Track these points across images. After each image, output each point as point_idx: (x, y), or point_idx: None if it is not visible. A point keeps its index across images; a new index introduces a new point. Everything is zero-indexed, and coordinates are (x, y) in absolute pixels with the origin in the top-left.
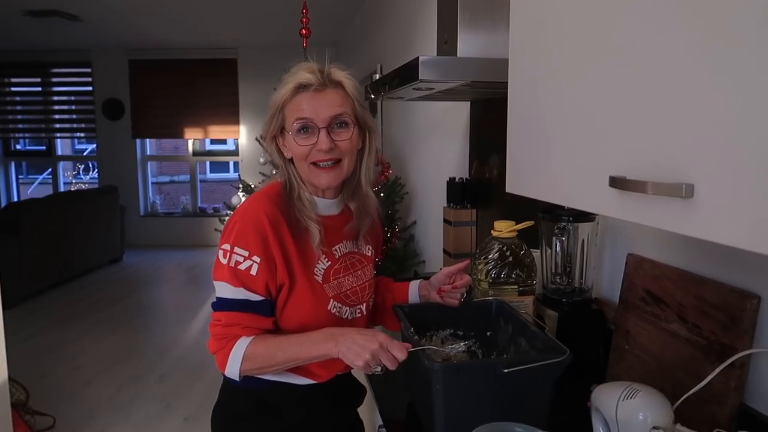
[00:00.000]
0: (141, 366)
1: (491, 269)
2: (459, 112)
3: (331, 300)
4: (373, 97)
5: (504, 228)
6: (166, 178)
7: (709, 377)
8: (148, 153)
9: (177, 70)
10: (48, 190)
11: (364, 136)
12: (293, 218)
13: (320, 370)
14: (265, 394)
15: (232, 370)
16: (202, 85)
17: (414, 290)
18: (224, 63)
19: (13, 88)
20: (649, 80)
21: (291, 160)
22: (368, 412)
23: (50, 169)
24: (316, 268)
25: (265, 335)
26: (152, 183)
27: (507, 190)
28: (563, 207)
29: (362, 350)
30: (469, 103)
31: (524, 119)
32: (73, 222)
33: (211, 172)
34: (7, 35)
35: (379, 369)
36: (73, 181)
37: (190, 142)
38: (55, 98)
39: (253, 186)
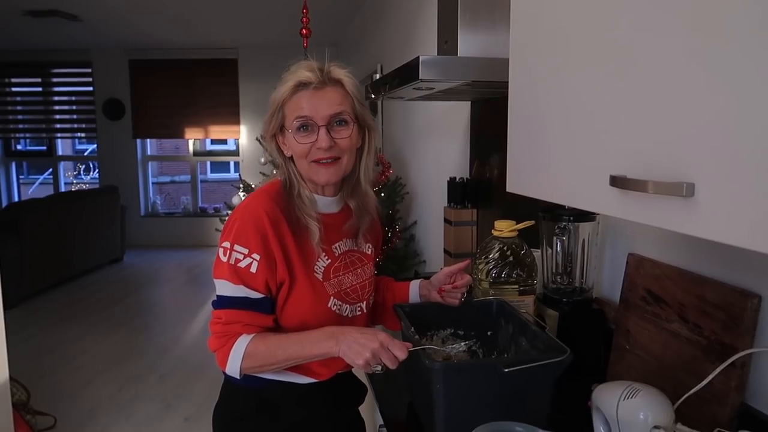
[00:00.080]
0: (141, 366)
1: (492, 269)
2: (459, 112)
3: (332, 298)
4: (373, 96)
5: (504, 227)
6: (167, 178)
7: (710, 377)
8: (149, 153)
9: (177, 70)
10: (49, 191)
11: (363, 134)
12: (293, 216)
13: (321, 369)
14: (265, 393)
15: (233, 367)
16: (203, 85)
17: (414, 290)
18: (225, 63)
19: (13, 89)
20: (649, 79)
21: (291, 158)
22: (369, 411)
23: (51, 170)
24: (316, 266)
25: (265, 333)
26: (153, 183)
27: (507, 190)
28: (564, 206)
29: (363, 349)
30: (469, 102)
31: (525, 119)
32: (74, 222)
33: (211, 172)
34: (7, 35)
35: (379, 368)
36: (74, 182)
37: (191, 142)
38: (56, 98)
39: (253, 186)
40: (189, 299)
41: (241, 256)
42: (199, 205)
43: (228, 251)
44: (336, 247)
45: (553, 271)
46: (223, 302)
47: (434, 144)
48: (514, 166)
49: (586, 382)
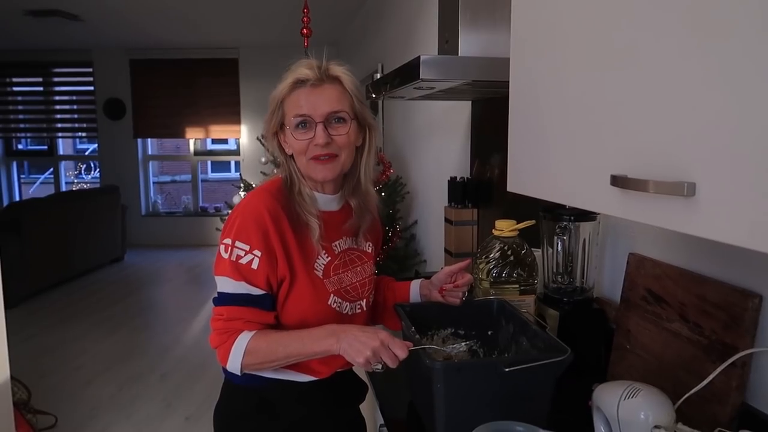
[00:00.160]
0: (142, 365)
1: (492, 268)
2: (460, 112)
3: (332, 295)
4: (374, 96)
5: (505, 227)
6: (168, 178)
7: (711, 376)
8: (150, 152)
9: (178, 70)
10: (50, 190)
11: (364, 133)
12: (294, 213)
13: (320, 367)
14: (265, 392)
15: (234, 364)
16: (203, 85)
17: (415, 290)
18: (225, 63)
19: (14, 88)
20: (650, 79)
21: (292, 156)
22: (369, 410)
23: (52, 169)
24: (316, 264)
25: (267, 330)
26: (153, 182)
27: (508, 190)
28: (564, 206)
29: (363, 347)
30: (470, 102)
31: (525, 118)
32: (75, 222)
33: (212, 171)
34: (7, 35)
35: (379, 367)
36: (75, 181)
37: (192, 142)
38: (57, 98)
39: (254, 185)
40: (190, 299)
41: (242, 253)
42: (200, 204)
43: (229, 248)
44: (336, 245)
45: (554, 270)
46: (224, 299)
47: (435, 143)
48: (515, 165)
49: (586, 381)
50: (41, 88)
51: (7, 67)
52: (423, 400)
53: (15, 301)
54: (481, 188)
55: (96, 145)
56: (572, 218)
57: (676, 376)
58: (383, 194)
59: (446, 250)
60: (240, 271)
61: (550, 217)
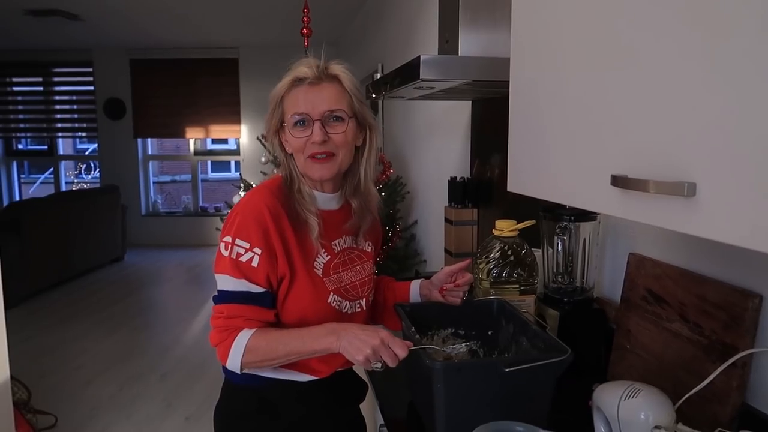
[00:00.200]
0: (142, 365)
1: (492, 268)
2: (460, 111)
3: (331, 293)
4: (374, 96)
5: (505, 227)
6: (168, 178)
7: (711, 377)
8: (150, 152)
9: (178, 70)
10: (50, 190)
11: (364, 133)
12: (293, 211)
13: (320, 366)
14: (266, 391)
15: (234, 362)
16: (204, 85)
17: (415, 290)
18: (225, 62)
19: (14, 88)
20: (650, 79)
21: (292, 154)
22: (369, 410)
23: (52, 169)
24: (315, 262)
25: (267, 328)
26: (153, 182)
27: (508, 190)
28: (564, 206)
29: (363, 345)
30: (470, 102)
31: (525, 118)
32: (75, 221)
33: (212, 171)
34: (8, 35)
35: (379, 365)
36: (75, 181)
37: (192, 142)
38: (57, 98)
39: (254, 185)
40: (190, 298)
41: (242, 251)
42: (200, 204)
43: (229, 246)
44: (336, 244)
45: (554, 270)
46: (224, 297)
47: (435, 143)
48: (515, 165)
49: (586, 381)
50: (41, 88)
51: (7, 66)
52: (423, 400)
53: (15, 301)
54: (481, 188)
55: (96, 145)
56: (572, 218)
57: (677, 376)
58: (383, 194)
59: (446, 250)
60: (240, 269)
61: (550, 217)
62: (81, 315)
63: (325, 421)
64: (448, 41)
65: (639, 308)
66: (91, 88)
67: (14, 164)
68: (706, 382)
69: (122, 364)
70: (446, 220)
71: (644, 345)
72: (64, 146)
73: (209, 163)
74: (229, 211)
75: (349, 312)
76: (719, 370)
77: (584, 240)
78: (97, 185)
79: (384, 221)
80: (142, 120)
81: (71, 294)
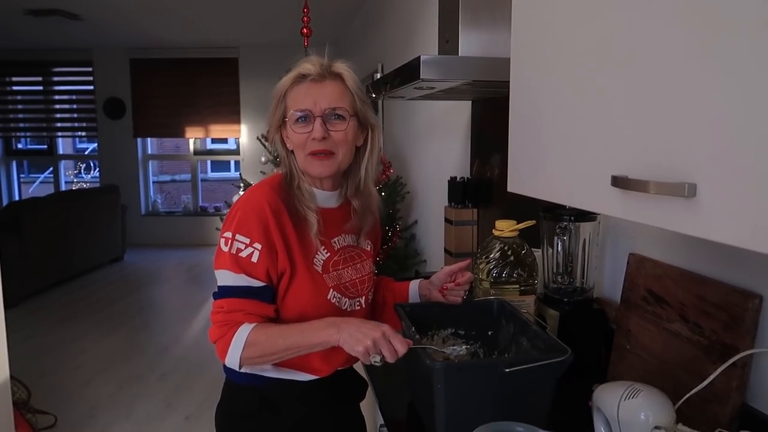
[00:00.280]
0: (142, 365)
1: (493, 269)
2: (460, 111)
3: (331, 290)
4: (374, 96)
5: (505, 227)
6: (167, 177)
7: (711, 377)
8: (149, 152)
9: (178, 69)
10: (49, 189)
11: (366, 133)
12: (293, 207)
13: (321, 365)
14: (267, 391)
15: (233, 357)
16: (203, 84)
17: (414, 290)
18: (225, 62)
19: (14, 87)
20: (651, 80)
21: (293, 151)
22: (369, 410)
23: (51, 168)
24: (315, 259)
25: (267, 323)
26: (153, 182)
27: (508, 190)
28: (564, 206)
29: (364, 337)
30: (470, 102)
31: (525, 118)
32: (75, 221)
33: (212, 171)
34: (8, 34)
35: (378, 359)
36: (75, 180)
37: (191, 141)
38: (57, 97)
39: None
40: (189, 298)
41: (242, 246)
42: (200, 204)
43: (230, 241)
44: (335, 242)
45: (554, 270)
46: (224, 292)
47: (435, 143)
48: (515, 165)
49: (586, 382)
50: (41, 88)
51: (7, 66)
52: (423, 401)
53: (15, 301)
54: (481, 188)
55: (96, 145)
56: (572, 218)
57: (677, 376)
58: (383, 194)
59: (446, 250)
60: (240, 264)
61: (551, 218)
62: (81, 315)
63: (326, 420)
64: (448, 41)
65: (639, 308)
66: (91, 87)
67: (14, 164)
68: (706, 382)
69: (122, 363)
70: (446, 220)
71: (644, 345)
72: (63, 146)
73: (209, 162)
74: (229, 210)
75: (349, 309)
76: (719, 370)
77: (584, 240)
78: (97, 185)
79: (384, 221)
80: (142, 120)
81: (71, 294)
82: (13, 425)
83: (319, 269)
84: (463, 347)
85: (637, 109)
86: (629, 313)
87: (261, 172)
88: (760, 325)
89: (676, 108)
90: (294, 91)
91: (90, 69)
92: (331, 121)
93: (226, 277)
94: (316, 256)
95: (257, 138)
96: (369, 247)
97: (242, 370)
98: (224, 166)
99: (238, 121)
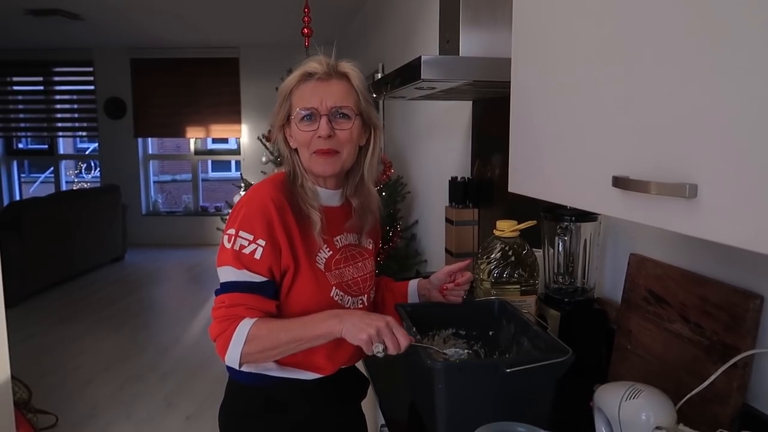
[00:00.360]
0: (142, 365)
1: (493, 269)
2: (461, 112)
3: (334, 287)
4: (375, 96)
5: (506, 227)
6: (168, 177)
7: (712, 377)
8: (150, 152)
9: (179, 69)
10: (50, 189)
11: (368, 132)
12: (296, 205)
13: (325, 363)
14: (271, 391)
15: (234, 354)
16: (204, 84)
17: (413, 289)
18: (226, 62)
19: (14, 87)
20: (652, 80)
21: (296, 150)
22: (370, 410)
23: (52, 168)
24: (318, 257)
25: (268, 318)
26: (154, 182)
27: (509, 190)
28: (565, 206)
29: (367, 326)
30: (471, 102)
31: (526, 119)
32: (75, 221)
33: (212, 170)
34: (8, 34)
35: (381, 348)
36: (75, 180)
37: (192, 141)
38: (57, 97)
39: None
40: (190, 298)
41: (245, 243)
42: (200, 204)
43: (233, 237)
44: (337, 240)
45: (555, 271)
46: (226, 287)
47: (435, 143)
48: (516, 166)
49: (587, 382)
50: (42, 87)
51: (7, 66)
52: (424, 401)
53: (15, 301)
54: (482, 188)
55: (96, 145)
56: (573, 218)
57: (678, 376)
58: (384, 194)
59: (447, 250)
60: (242, 261)
61: (551, 218)
62: (81, 314)
63: (329, 418)
64: (449, 41)
65: (640, 309)
66: (92, 87)
67: (14, 163)
68: (707, 382)
69: (122, 363)
70: (447, 220)
71: (645, 345)
72: (64, 145)
73: (210, 162)
74: (230, 210)
75: (351, 307)
76: (720, 370)
77: (585, 240)
78: (98, 184)
79: (384, 221)
80: (143, 119)
81: (71, 293)
82: (14, 425)
83: (322, 267)
84: (465, 353)
85: (638, 109)
86: (630, 313)
87: (262, 172)
88: (761, 325)
89: (677, 108)
90: (300, 89)
91: (90, 69)
92: (336, 120)
93: (228, 274)
94: (319, 254)
95: (258, 138)
96: (370, 245)
97: (242, 369)
98: (225, 166)
99: (238, 121)
